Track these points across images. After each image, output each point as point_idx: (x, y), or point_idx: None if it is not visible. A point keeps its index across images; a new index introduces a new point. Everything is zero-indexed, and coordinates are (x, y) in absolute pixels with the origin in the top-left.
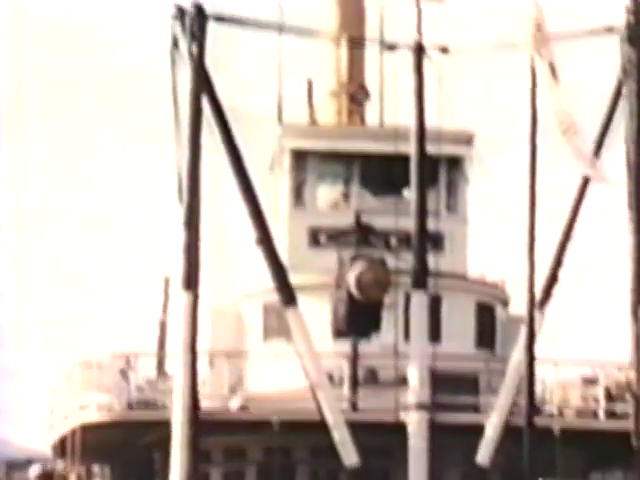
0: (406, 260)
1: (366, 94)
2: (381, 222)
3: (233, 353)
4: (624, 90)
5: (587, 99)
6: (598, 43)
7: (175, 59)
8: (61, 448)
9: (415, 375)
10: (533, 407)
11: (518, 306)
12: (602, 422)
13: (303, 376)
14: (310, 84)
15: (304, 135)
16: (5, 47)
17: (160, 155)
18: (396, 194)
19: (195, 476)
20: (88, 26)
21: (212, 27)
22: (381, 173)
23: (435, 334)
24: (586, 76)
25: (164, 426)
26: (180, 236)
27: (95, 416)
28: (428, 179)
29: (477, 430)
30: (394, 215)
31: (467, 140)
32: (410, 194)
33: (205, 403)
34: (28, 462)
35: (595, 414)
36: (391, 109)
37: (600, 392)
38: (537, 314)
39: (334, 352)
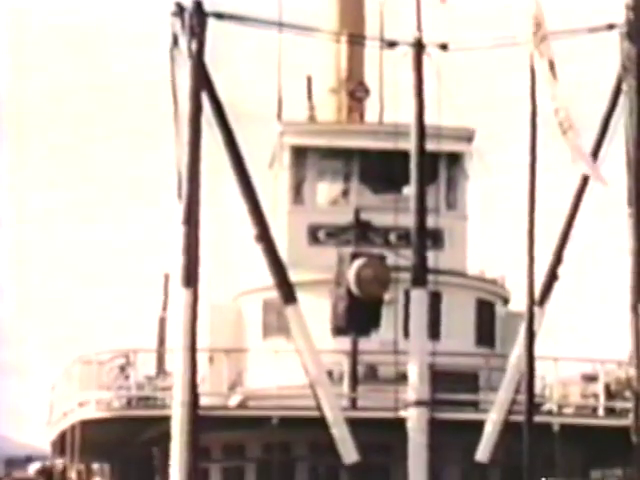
0: (406, 257)
1: (366, 91)
2: (381, 219)
3: (233, 350)
4: (624, 87)
5: (587, 96)
6: (598, 40)
7: (175, 56)
8: (60, 445)
9: (415, 372)
10: (533, 404)
11: (518, 303)
12: (602, 419)
13: (303, 373)
14: (310, 81)
15: (304, 132)
16: (4, 46)
17: (160, 152)
18: (396, 191)
19: (195, 473)
20: (87, 24)
21: (212, 24)
22: (381, 170)
23: (435, 331)
24: (586, 73)
25: (164, 423)
26: (180, 233)
27: (94, 413)
28: (428, 176)
29: (477, 427)
30: (394, 212)
31: (467, 137)
32: (410, 191)
33: (205, 400)
34: (28, 459)
35: (595, 411)
36: (391, 106)
37: (600, 389)
38: (537, 311)
39: (334, 349)
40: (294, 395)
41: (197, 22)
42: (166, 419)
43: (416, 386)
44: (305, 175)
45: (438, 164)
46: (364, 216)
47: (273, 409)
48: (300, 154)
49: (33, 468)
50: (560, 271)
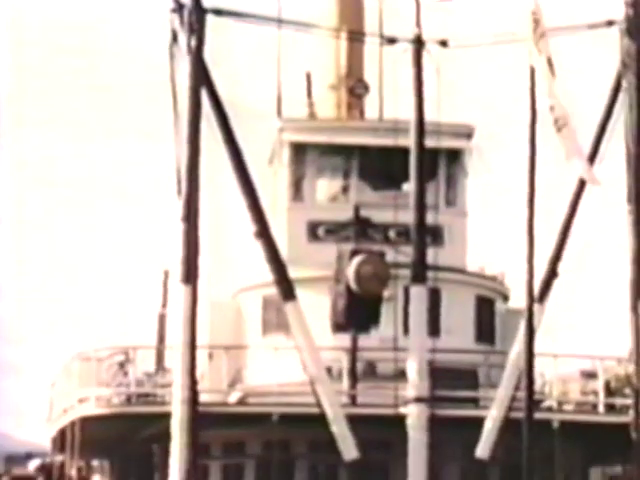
0: (405, 253)
1: (365, 87)
2: (380, 215)
3: (232, 347)
4: (624, 83)
5: (586, 92)
6: (598, 36)
7: (174, 53)
8: (60, 441)
9: (414, 369)
10: (532, 401)
11: (518, 300)
12: (601, 416)
13: (302, 370)
14: (309, 77)
15: (303, 128)
16: (4, 46)
17: (159, 149)
18: (395, 187)
19: (194, 470)
20: (86, 21)
21: (211, 21)
22: (380, 166)
23: (434, 328)
24: (586, 69)
25: (163, 420)
26: (179, 229)
27: (94, 409)
28: (427, 172)
29: (476, 424)
30: (393, 208)
31: (466, 133)
32: (409, 187)
33: (204, 397)
34: (27, 456)
35: (594, 408)
36: (390, 102)
37: (599, 386)
38: (537, 308)
39: (333, 346)
40: (294, 392)
41: (196, 19)
42: (166, 416)
43: (416, 383)
44: (304, 172)
45: (438, 161)
46: (364, 213)
47: (273, 406)
48: (299, 151)
49: (33, 465)
50: (560, 268)
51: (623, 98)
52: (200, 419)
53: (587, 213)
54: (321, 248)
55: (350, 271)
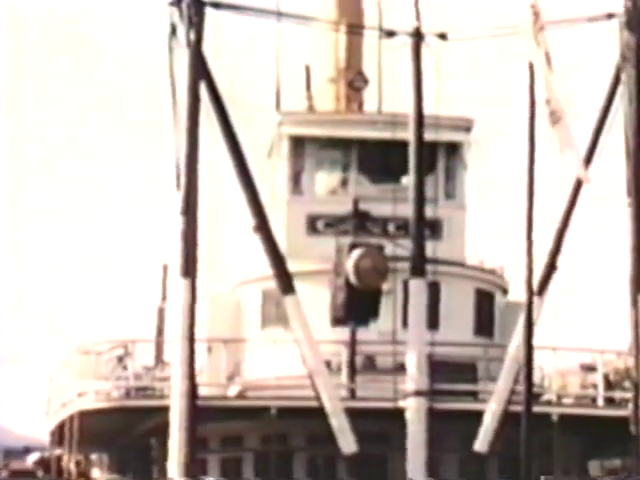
0: (404, 247)
1: (364, 81)
2: (379, 209)
3: (231, 340)
4: (623, 76)
5: (586, 85)
6: (597, 29)
7: (173, 46)
8: (59, 435)
9: (413, 362)
10: (531, 394)
11: (517, 293)
12: (601, 409)
13: (301, 363)
14: (308, 71)
15: (302, 122)
16: (4, 46)
17: (158, 142)
18: (394, 181)
19: (192, 463)
20: (84, 14)
21: (210, 14)
22: (379, 160)
23: (433, 321)
24: (585, 62)
25: (162, 413)
26: (178, 223)
27: (93, 403)
28: (426, 166)
29: (476, 417)
30: (392, 202)
31: (465, 126)
32: (408, 181)
33: (203, 390)
34: (26, 450)
35: (594, 401)
36: (389, 96)
37: (599, 379)
38: (536, 301)
39: (332, 339)
40: (293, 385)
41: (195, 12)
42: (164, 409)
43: (415, 376)
44: (303, 165)
45: (437, 154)
46: (363, 206)
47: (271, 399)
48: (298, 144)
49: (31, 459)
50: (559, 261)
51: (622, 91)
52: (199, 413)
53: (586, 206)
54: (320, 241)
55: (349, 264)
